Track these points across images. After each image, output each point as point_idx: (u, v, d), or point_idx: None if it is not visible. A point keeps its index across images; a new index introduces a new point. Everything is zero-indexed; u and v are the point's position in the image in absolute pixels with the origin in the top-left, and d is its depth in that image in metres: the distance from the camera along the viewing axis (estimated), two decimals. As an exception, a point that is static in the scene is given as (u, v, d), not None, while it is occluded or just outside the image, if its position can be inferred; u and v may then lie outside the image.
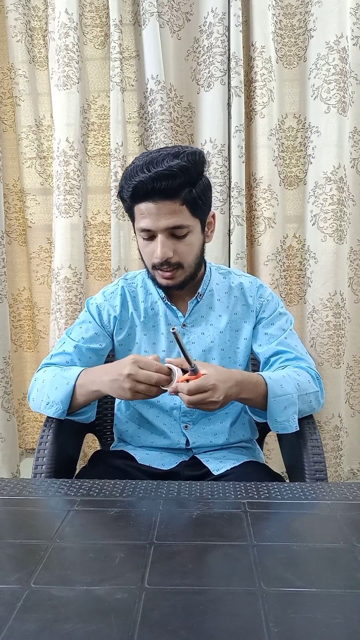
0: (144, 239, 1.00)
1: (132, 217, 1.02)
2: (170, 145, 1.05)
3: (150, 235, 0.98)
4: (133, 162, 0.96)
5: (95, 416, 1.09)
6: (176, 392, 0.86)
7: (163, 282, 1.02)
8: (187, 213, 0.96)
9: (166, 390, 0.87)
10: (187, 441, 1.07)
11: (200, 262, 1.06)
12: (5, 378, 1.63)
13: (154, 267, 1.00)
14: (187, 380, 0.85)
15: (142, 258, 1.05)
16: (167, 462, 1.05)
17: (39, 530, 0.66)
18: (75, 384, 0.97)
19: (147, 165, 0.92)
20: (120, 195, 1.01)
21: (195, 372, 0.85)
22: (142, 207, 0.96)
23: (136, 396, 0.88)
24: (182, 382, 0.85)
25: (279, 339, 1.08)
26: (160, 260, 0.97)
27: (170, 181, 0.92)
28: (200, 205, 0.98)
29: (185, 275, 1.02)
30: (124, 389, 0.87)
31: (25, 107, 1.62)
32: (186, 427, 1.07)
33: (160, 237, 0.96)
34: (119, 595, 0.50)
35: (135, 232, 1.04)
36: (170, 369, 0.87)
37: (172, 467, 1.04)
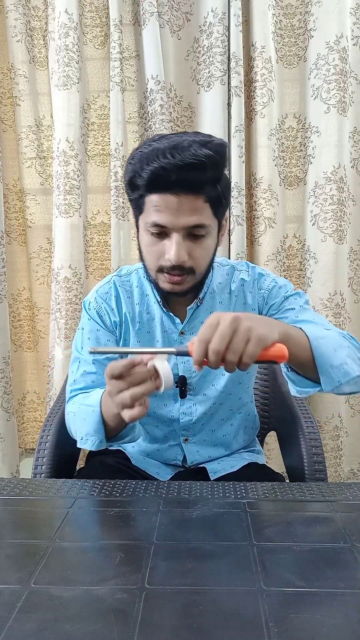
0: (152, 234, 0.84)
1: (140, 209, 0.85)
2: (189, 131, 0.88)
3: (162, 232, 0.83)
4: (148, 144, 0.80)
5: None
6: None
7: (167, 287, 0.87)
8: (209, 212, 0.83)
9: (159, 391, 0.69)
10: (184, 458, 1.02)
11: (210, 268, 0.92)
12: (5, 378, 1.63)
13: (160, 269, 0.86)
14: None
15: (142, 258, 0.90)
16: (162, 473, 1.01)
17: (39, 530, 0.66)
18: (101, 410, 0.84)
19: (170, 150, 0.76)
20: (131, 182, 0.83)
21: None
22: (158, 199, 0.80)
23: (131, 411, 0.70)
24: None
25: (289, 320, 0.95)
26: (174, 264, 0.82)
27: (199, 173, 0.77)
28: (222, 205, 0.86)
29: (195, 282, 0.88)
30: (116, 406, 0.72)
31: (25, 107, 1.63)
32: (186, 440, 1.01)
33: (176, 237, 0.81)
34: (119, 595, 0.50)
35: (137, 227, 0.89)
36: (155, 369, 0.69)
37: (167, 478, 1.00)
